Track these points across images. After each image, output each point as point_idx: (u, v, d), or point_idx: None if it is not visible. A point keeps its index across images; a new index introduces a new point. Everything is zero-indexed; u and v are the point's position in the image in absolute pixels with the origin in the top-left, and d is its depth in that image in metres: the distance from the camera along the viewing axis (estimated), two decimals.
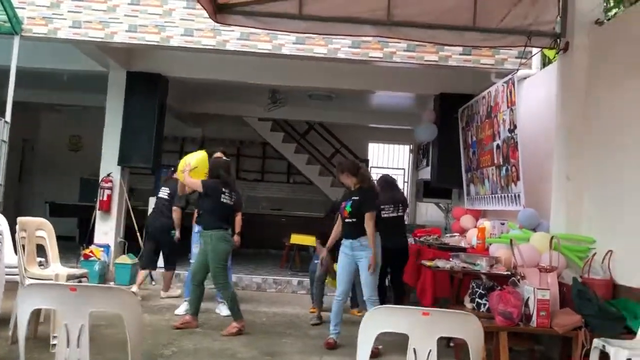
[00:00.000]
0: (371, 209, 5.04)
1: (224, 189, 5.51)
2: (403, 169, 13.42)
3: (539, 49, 5.88)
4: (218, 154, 6.10)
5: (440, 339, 5.19)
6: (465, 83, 7.76)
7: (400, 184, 13.07)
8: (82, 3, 6.59)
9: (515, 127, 5.77)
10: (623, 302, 4.17)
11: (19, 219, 4.74)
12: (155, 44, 6.66)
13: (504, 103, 6.07)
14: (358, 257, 5.06)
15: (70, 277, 4.67)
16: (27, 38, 6.62)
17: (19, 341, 2.12)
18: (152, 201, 8.22)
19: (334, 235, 5.44)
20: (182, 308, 6.09)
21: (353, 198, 5.10)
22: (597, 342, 3.84)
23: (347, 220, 5.12)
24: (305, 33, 6.23)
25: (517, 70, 5.91)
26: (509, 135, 5.91)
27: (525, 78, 6.58)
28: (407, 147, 13.35)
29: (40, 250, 4.97)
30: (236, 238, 6.17)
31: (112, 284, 7.45)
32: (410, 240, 6.81)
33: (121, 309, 2.15)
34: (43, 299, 2.14)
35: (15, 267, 4.65)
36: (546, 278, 4.42)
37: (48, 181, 12.66)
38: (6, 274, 4.53)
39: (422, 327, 2.20)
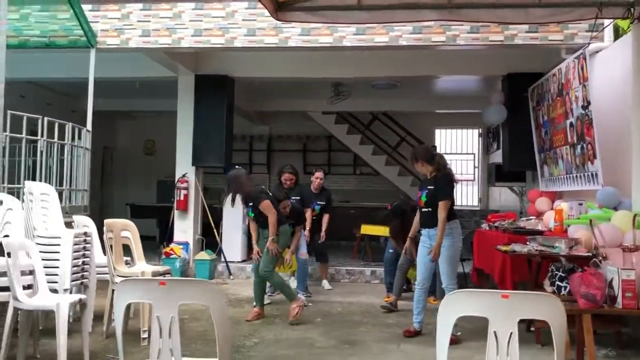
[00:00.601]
0: (445, 197, 4.89)
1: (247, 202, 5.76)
2: (473, 153, 13.14)
3: (612, 20, 5.62)
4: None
5: (521, 324, 5.12)
6: (533, 61, 7.52)
7: (470, 169, 12.99)
8: (150, 12, 6.89)
9: (589, 103, 5.56)
10: None
11: (106, 221, 5.03)
12: (220, 46, 6.87)
13: (575, 79, 5.85)
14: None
15: (155, 274, 4.91)
16: (101, 50, 6.99)
17: (117, 333, 2.27)
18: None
19: (415, 225, 5.39)
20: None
21: (429, 187, 4.98)
22: None
23: (423, 209, 5.05)
24: (365, 24, 6.24)
25: (589, 44, 5.69)
26: (583, 112, 5.70)
27: (597, 52, 6.29)
28: (476, 131, 13.06)
29: (125, 249, 5.26)
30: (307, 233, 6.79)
31: None
32: (484, 225, 6.70)
33: (208, 301, 2.27)
34: (136, 294, 2.29)
35: (105, 267, 4.95)
36: (630, 258, 4.25)
37: (127, 185, 13.34)
38: (97, 274, 4.85)
39: (502, 309, 2.18)
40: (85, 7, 6.70)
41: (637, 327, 5.00)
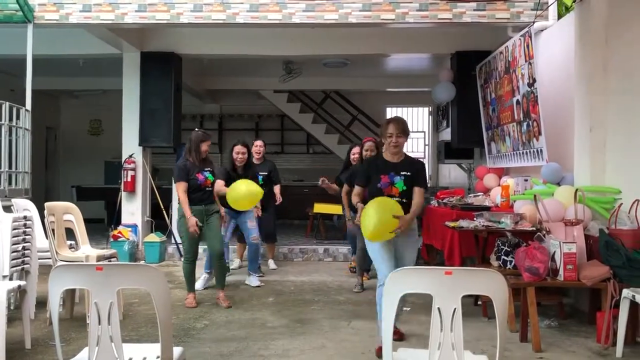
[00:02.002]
0: (426, 185, 4.21)
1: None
2: (423, 131, 13.30)
3: None
4: (238, 148, 6.21)
5: (468, 298, 5.22)
6: (481, 39, 7.61)
7: (421, 147, 13.16)
8: None
9: (534, 81, 5.66)
10: None
11: (47, 204, 4.84)
12: (166, 22, 6.63)
13: (521, 57, 5.95)
14: (405, 243, 4.10)
15: (100, 258, 4.78)
16: (40, 25, 6.65)
17: (53, 321, 2.19)
18: None
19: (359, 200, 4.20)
20: (201, 281, 6.14)
21: (403, 173, 4.08)
22: (626, 292, 3.83)
23: (396, 199, 4.02)
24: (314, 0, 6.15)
25: (534, 22, 5.78)
26: (529, 89, 5.80)
27: (542, 30, 6.41)
28: (426, 110, 13.20)
29: (70, 233, 5.09)
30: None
31: (142, 262, 7.62)
32: (434, 202, 6.79)
33: (148, 285, 2.20)
34: (72, 280, 2.20)
35: (47, 251, 4.78)
36: (572, 231, 4.40)
37: (73, 166, 12.90)
38: (39, 258, 4.67)
39: (445, 286, 2.20)
40: None
41: (578, 298, 5.19)
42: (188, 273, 5.41)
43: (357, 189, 4.25)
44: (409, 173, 4.10)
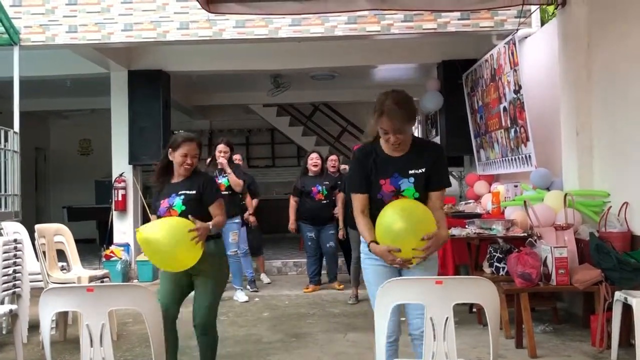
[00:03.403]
0: (448, 180, 2.90)
1: None
2: None
3: (537, 6, 5.79)
4: (221, 146, 6.21)
5: (463, 306, 5.22)
6: (466, 48, 7.68)
7: None
8: (77, 7, 6.59)
9: (520, 87, 5.71)
10: None
11: (37, 227, 4.81)
12: (153, 40, 6.66)
13: (507, 64, 6.00)
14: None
15: (92, 279, 4.74)
16: (26, 47, 6.66)
17: (45, 345, 2.17)
18: None
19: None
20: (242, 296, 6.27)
21: (413, 172, 2.76)
22: (618, 295, 3.84)
23: None
24: (300, 14, 6.18)
25: (517, 30, 5.84)
26: (515, 96, 5.85)
27: (526, 37, 6.49)
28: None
29: (61, 255, 5.05)
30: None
31: (135, 281, 7.57)
32: None
33: (139, 305, 2.19)
34: (63, 302, 2.19)
35: (39, 274, 4.74)
36: (563, 236, 4.42)
37: (64, 187, 12.83)
38: (31, 281, 4.63)
39: (437, 295, 2.21)
40: (6, 3, 6.37)
41: (572, 302, 5.20)
42: None
43: (356, 202, 2.82)
44: (421, 170, 2.77)
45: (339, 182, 6.63)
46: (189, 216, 3.15)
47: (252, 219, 7.03)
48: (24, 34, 6.61)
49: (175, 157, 3.36)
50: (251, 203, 7.06)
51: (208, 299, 3.35)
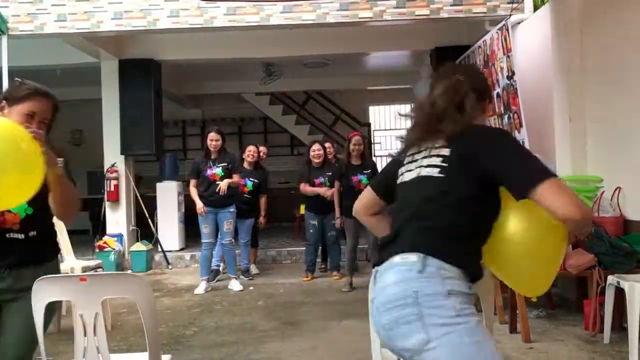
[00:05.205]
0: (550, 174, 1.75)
1: None
2: (406, 128, 13.31)
3: None
4: (212, 135, 6.23)
5: None
6: (459, 34, 7.65)
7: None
8: None
9: (513, 73, 5.69)
10: (634, 237, 4.17)
11: None
12: (143, 28, 6.56)
13: (499, 50, 5.98)
14: None
15: (85, 269, 4.74)
16: (14, 37, 6.56)
17: (38, 336, 2.15)
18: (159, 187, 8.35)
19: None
20: (202, 287, 6.17)
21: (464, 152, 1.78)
22: (611, 279, 3.86)
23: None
24: (291, 1, 6.13)
25: (510, 15, 5.80)
26: (508, 82, 5.84)
27: (519, 23, 6.46)
28: (408, 106, 13.19)
29: None
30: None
31: (129, 271, 7.56)
32: None
33: (133, 294, 2.18)
34: (55, 292, 2.17)
35: None
36: None
37: None
38: None
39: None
40: None
41: (565, 287, 5.23)
42: None
43: (363, 201, 2.15)
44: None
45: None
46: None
47: (263, 220, 7.07)
48: (12, 23, 6.51)
49: (13, 114, 2.22)
50: (264, 204, 7.04)
51: (24, 347, 2.23)
